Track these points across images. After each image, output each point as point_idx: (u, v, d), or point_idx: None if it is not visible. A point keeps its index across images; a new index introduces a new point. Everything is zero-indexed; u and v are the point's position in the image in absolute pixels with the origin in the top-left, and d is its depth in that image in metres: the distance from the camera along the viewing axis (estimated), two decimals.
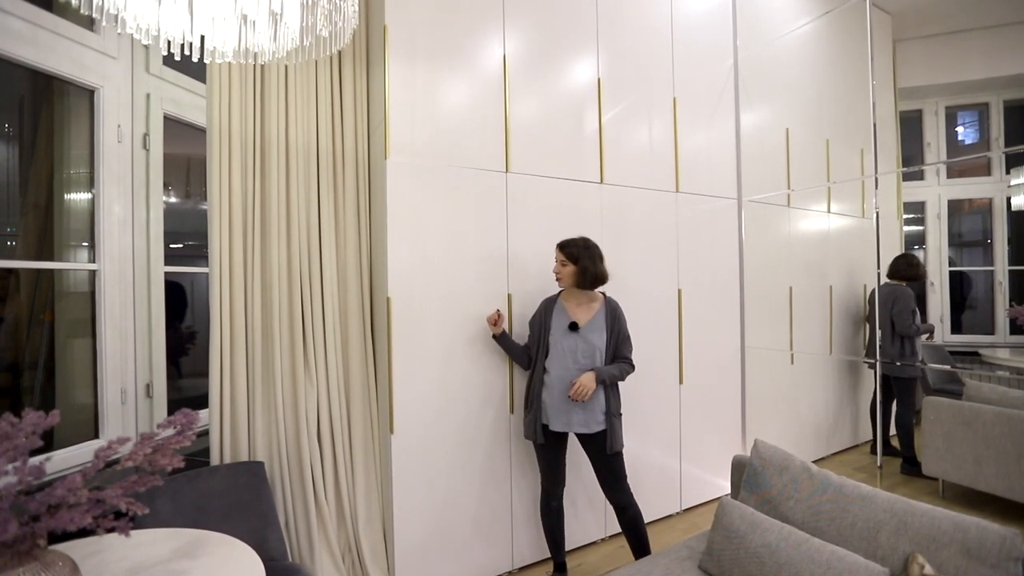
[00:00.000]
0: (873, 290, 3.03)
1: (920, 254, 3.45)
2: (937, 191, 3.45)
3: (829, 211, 3.70)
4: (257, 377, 2.14)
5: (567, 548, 2.50)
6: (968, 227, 3.45)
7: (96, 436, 2.07)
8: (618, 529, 2.53)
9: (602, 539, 2.78)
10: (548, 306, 2.30)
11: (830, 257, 3.69)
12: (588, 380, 2.12)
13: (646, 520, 2.32)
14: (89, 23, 2.04)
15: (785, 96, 3.65)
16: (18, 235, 2.01)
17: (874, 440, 3.14)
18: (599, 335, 2.22)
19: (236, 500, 1.91)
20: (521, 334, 2.48)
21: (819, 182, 3.66)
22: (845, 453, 3.71)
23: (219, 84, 2.05)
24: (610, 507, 2.30)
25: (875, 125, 2.90)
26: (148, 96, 2.25)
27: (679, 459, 3.09)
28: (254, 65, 2.14)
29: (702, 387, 3.20)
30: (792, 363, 3.57)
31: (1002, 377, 2.97)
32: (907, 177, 3.53)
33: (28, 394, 1.99)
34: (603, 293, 2.32)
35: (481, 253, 2.43)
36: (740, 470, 1.98)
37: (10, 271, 1.92)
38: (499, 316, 2.32)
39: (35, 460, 1.06)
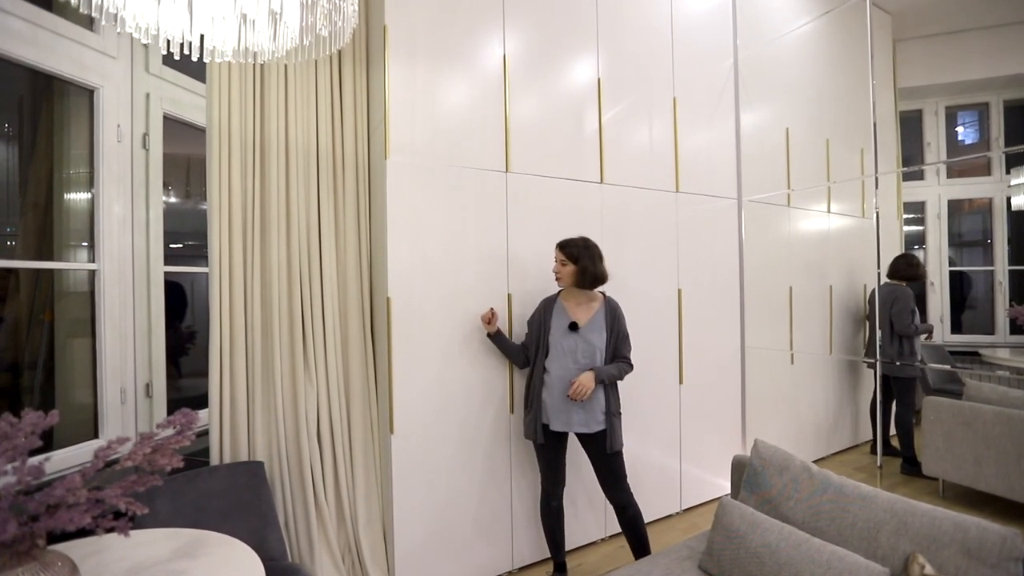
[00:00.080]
0: (873, 290, 3.03)
1: (920, 254, 3.45)
2: (937, 191, 3.45)
3: (829, 211, 3.70)
4: (257, 377, 2.14)
5: (567, 548, 2.49)
6: (968, 227, 3.45)
7: (96, 436, 2.07)
8: (618, 529, 2.53)
9: (602, 539, 2.78)
10: (548, 306, 2.30)
11: (830, 257, 3.69)
12: (587, 380, 2.12)
13: (646, 520, 2.32)
14: (89, 23, 2.04)
15: (785, 96, 3.65)
16: (18, 235, 2.01)
17: (874, 440, 3.14)
18: (599, 335, 2.22)
19: (236, 500, 1.91)
20: (521, 334, 2.47)
21: (819, 182, 3.66)
22: (845, 453, 3.71)
23: (219, 84, 2.05)
24: (610, 507, 2.29)
25: (875, 125, 2.89)
26: (148, 96, 2.25)
27: (679, 459, 3.09)
28: (254, 65, 2.14)
29: (702, 387, 3.20)
30: (792, 363, 3.57)
31: (1002, 377, 2.97)
32: (907, 177, 3.54)
33: (28, 394, 1.99)
34: (602, 293, 2.32)
35: (481, 253, 2.43)
36: (740, 470, 1.98)
37: (10, 271, 1.92)
38: (492, 314, 2.32)
39: (34, 460, 1.06)
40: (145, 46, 2.18)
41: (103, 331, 2.06)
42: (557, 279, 2.26)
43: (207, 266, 2.07)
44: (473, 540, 2.40)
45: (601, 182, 2.79)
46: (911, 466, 3.12)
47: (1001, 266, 3.22)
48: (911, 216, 3.49)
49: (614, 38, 2.87)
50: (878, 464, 2.93)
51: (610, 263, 2.31)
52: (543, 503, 2.33)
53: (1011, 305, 3.15)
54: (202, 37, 1.28)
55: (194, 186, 2.74)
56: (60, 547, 1.26)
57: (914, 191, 3.50)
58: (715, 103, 3.34)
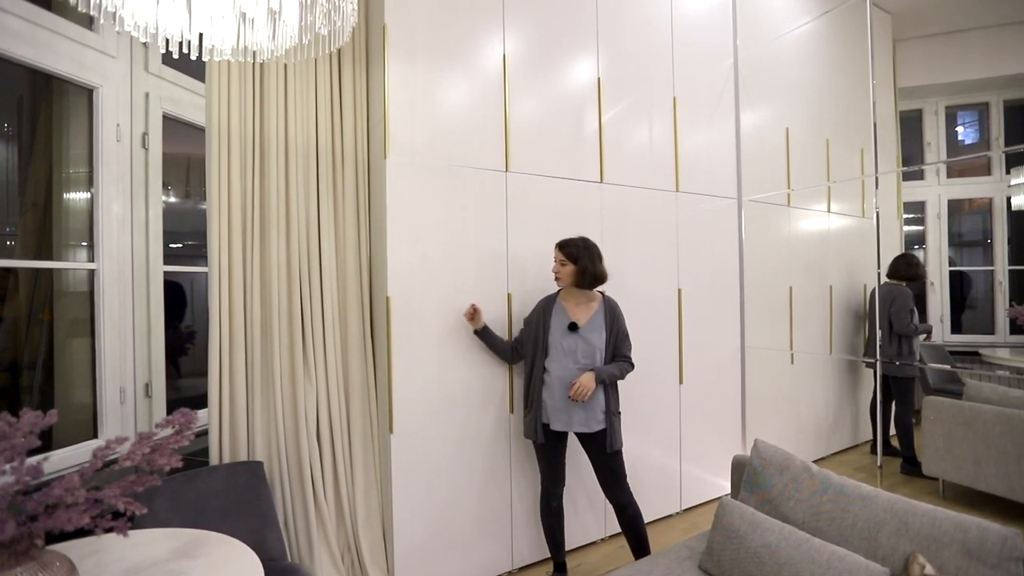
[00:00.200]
0: (873, 290, 3.03)
1: (920, 254, 3.45)
2: (937, 191, 3.45)
3: (829, 211, 3.70)
4: (256, 377, 2.14)
5: (567, 548, 2.49)
6: (968, 227, 3.45)
7: (95, 436, 2.06)
8: (618, 529, 2.53)
9: (602, 539, 2.78)
10: (547, 305, 2.30)
11: (830, 257, 3.69)
12: (588, 380, 2.11)
13: (646, 520, 2.32)
14: (88, 22, 2.04)
15: (785, 96, 3.64)
16: (17, 234, 2.01)
17: (874, 440, 3.14)
18: (598, 335, 2.22)
19: (235, 500, 1.90)
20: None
21: (819, 182, 3.66)
22: (845, 453, 3.71)
23: (218, 83, 2.05)
24: (610, 507, 2.29)
25: (875, 125, 2.89)
26: (147, 95, 2.25)
27: (679, 459, 3.08)
28: (253, 64, 2.13)
29: (702, 387, 3.20)
30: (792, 363, 3.57)
31: (1002, 377, 2.97)
32: (907, 177, 3.54)
33: (27, 394, 1.98)
34: (602, 292, 2.32)
35: (481, 252, 2.43)
36: (740, 470, 1.98)
37: (9, 270, 1.92)
38: (474, 310, 2.30)
39: (33, 460, 1.05)
40: (144, 45, 2.18)
41: (102, 331, 2.06)
42: (556, 279, 2.26)
43: (206, 266, 2.07)
44: (473, 540, 2.40)
45: (601, 182, 2.79)
46: (911, 466, 3.12)
47: (1001, 266, 3.22)
48: (911, 216, 3.49)
49: (614, 38, 2.86)
50: (878, 464, 2.93)
51: (610, 263, 2.31)
52: (543, 503, 2.33)
53: (1011, 305, 3.15)
54: (201, 36, 1.28)
55: (194, 186, 2.74)
56: (59, 547, 1.25)
57: (914, 191, 3.50)
58: (715, 103, 3.34)
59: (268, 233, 2.17)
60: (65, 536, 1.20)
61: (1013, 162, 3.17)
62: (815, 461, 2.85)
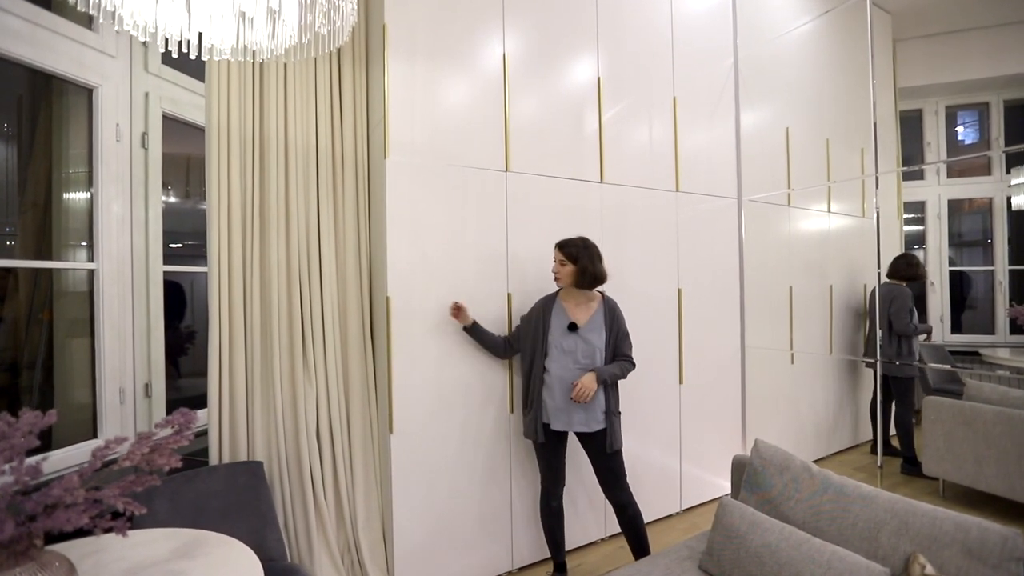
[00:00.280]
0: (873, 289, 3.03)
1: (920, 254, 3.44)
2: (937, 191, 3.44)
3: (829, 211, 3.70)
4: (256, 377, 2.14)
5: (567, 548, 2.49)
6: (968, 227, 3.45)
7: (95, 436, 2.06)
8: (618, 529, 2.53)
9: (602, 539, 2.78)
10: (547, 305, 2.29)
11: (830, 257, 3.68)
12: (589, 381, 2.11)
13: (646, 520, 2.32)
14: (88, 21, 2.04)
15: (785, 95, 3.64)
16: (16, 234, 2.01)
17: (874, 440, 3.14)
18: (598, 335, 2.21)
19: (235, 500, 1.90)
20: None
21: (819, 182, 3.66)
22: (845, 453, 3.70)
23: (218, 83, 2.05)
24: (610, 507, 2.29)
25: (875, 124, 2.89)
26: (147, 95, 2.25)
27: (679, 459, 3.08)
28: (253, 63, 2.13)
29: (702, 387, 3.19)
30: (792, 363, 3.57)
31: (1002, 377, 2.97)
32: (907, 177, 3.53)
33: (27, 393, 1.98)
34: (601, 292, 2.32)
35: (481, 252, 2.43)
36: (740, 470, 1.97)
37: (8, 270, 1.91)
38: (457, 308, 2.27)
39: (32, 460, 1.05)
40: (144, 44, 2.18)
41: (102, 331, 2.06)
42: (556, 279, 2.25)
43: (206, 266, 2.07)
44: (473, 540, 2.40)
45: (601, 182, 2.79)
46: (911, 466, 3.12)
47: (1001, 266, 3.22)
48: (911, 216, 3.49)
49: (614, 38, 2.86)
50: (878, 464, 2.93)
51: (610, 263, 2.30)
52: (543, 503, 2.33)
53: (1011, 305, 3.15)
54: (200, 35, 1.28)
55: (193, 186, 2.73)
56: (58, 547, 1.25)
57: (914, 191, 3.50)
58: (715, 103, 3.34)
59: (268, 233, 2.17)
60: (64, 536, 1.20)
61: (1013, 162, 3.17)
62: (815, 461, 2.84)
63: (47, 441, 1.91)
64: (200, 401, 2.10)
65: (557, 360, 2.20)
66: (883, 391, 3.11)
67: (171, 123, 2.38)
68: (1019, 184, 3.14)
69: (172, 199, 2.60)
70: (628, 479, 2.24)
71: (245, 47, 1.34)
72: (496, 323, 2.42)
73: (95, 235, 2.06)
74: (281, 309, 2.19)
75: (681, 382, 3.09)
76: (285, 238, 2.21)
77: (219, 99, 2.05)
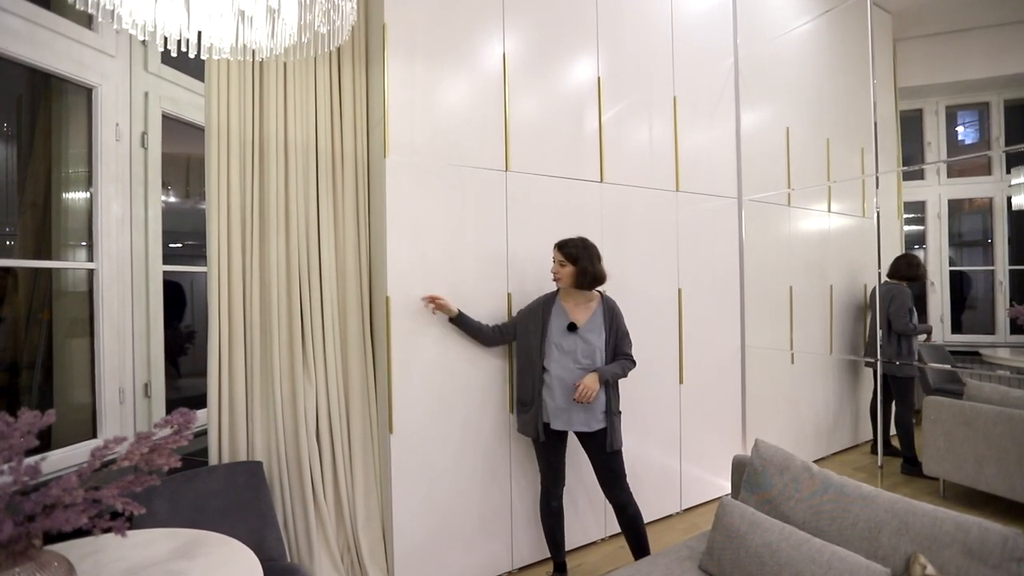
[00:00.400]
0: (873, 289, 3.03)
1: (920, 254, 3.44)
2: (937, 190, 3.44)
3: (829, 210, 3.69)
4: (256, 376, 2.13)
5: (567, 548, 2.49)
6: (968, 227, 3.45)
7: (94, 436, 2.06)
8: (618, 529, 2.53)
9: (602, 539, 2.77)
10: (547, 305, 2.29)
11: (830, 256, 3.68)
12: (592, 382, 2.11)
13: (646, 520, 2.32)
14: (87, 21, 2.03)
15: (785, 95, 3.64)
16: (16, 234, 2.01)
17: (874, 440, 3.14)
18: (598, 335, 2.21)
19: (234, 500, 1.90)
20: None
21: (819, 181, 3.65)
22: (845, 453, 3.70)
23: (217, 82, 2.05)
24: (610, 507, 2.29)
25: (875, 124, 2.89)
26: (146, 95, 2.25)
27: (679, 459, 3.08)
28: (252, 63, 2.13)
29: (702, 387, 3.19)
30: (792, 363, 3.56)
31: (1003, 377, 2.97)
32: (907, 176, 3.53)
33: (26, 393, 1.98)
34: (600, 292, 2.32)
35: (481, 252, 2.42)
36: (741, 470, 1.97)
37: (8, 270, 1.91)
38: (433, 300, 2.23)
39: (31, 460, 1.05)
40: (143, 43, 2.18)
41: (102, 331, 2.05)
42: (555, 279, 2.25)
43: (206, 265, 2.06)
44: (473, 540, 2.39)
45: (601, 181, 2.78)
46: (911, 466, 3.12)
47: (1001, 266, 3.21)
48: (911, 216, 3.49)
49: (614, 37, 2.86)
50: (879, 464, 2.92)
51: (610, 263, 2.30)
52: (543, 503, 2.33)
53: (1011, 305, 3.15)
54: (200, 34, 1.28)
55: (193, 185, 2.73)
56: (57, 547, 1.25)
57: (914, 191, 3.50)
58: (715, 102, 3.33)
59: (267, 232, 2.17)
60: (63, 536, 1.19)
61: (1013, 162, 3.16)
62: (815, 461, 2.84)
63: (46, 441, 1.91)
64: (200, 401, 2.10)
65: (557, 360, 2.20)
66: (883, 391, 3.10)
67: (171, 123, 2.38)
68: (1019, 184, 3.13)
69: (172, 199, 2.60)
70: (628, 479, 2.24)
71: (244, 46, 1.34)
72: (495, 323, 2.42)
73: (95, 235, 2.06)
74: (281, 309, 2.19)
75: (681, 382, 3.08)
76: (285, 238, 2.21)
77: (219, 99, 2.05)
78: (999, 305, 3.20)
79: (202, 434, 2.05)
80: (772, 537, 1.54)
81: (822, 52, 3.76)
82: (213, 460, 2.04)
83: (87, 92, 2.06)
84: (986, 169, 3.32)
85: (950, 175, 3.45)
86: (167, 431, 1.20)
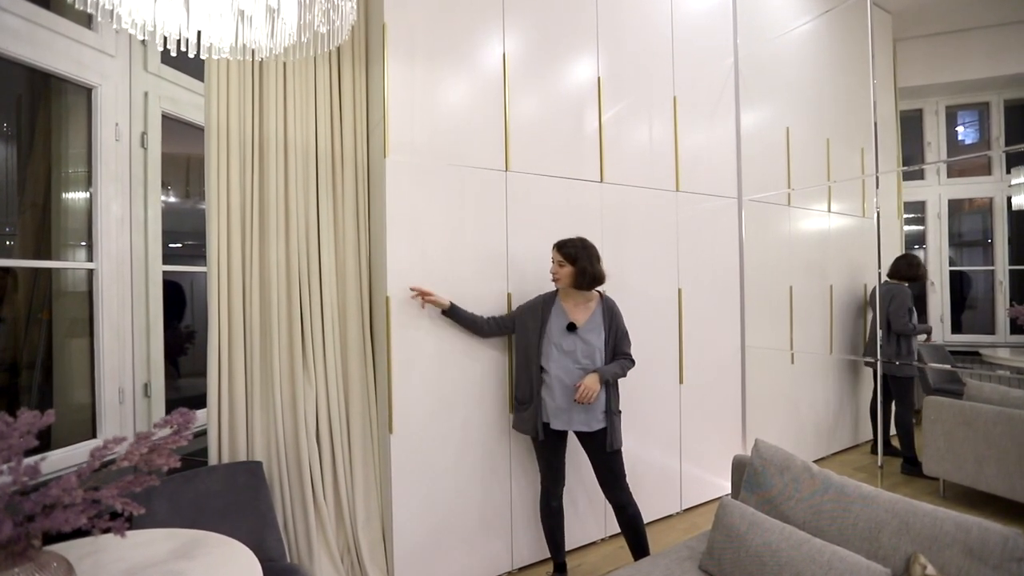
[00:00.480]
0: (873, 289, 3.03)
1: (920, 254, 3.44)
2: (937, 190, 3.44)
3: (829, 210, 3.69)
4: (255, 376, 2.13)
5: (567, 548, 2.49)
6: (968, 227, 3.44)
7: (94, 436, 2.06)
8: (618, 529, 2.52)
9: (602, 539, 2.77)
10: (547, 305, 2.28)
11: (830, 256, 3.68)
12: (592, 382, 2.11)
13: (646, 520, 2.32)
14: (87, 21, 2.03)
15: (785, 95, 3.64)
16: (16, 234, 2.00)
17: (874, 440, 3.14)
18: (597, 335, 2.21)
19: (234, 500, 1.90)
20: None
21: (819, 181, 3.65)
22: (845, 453, 3.70)
23: (217, 82, 2.05)
24: (610, 507, 2.29)
25: (875, 124, 2.89)
26: (146, 94, 2.25)
27: (679, 459, 3.08)
28: (252, 63, 2.13)
29: (702, 387, 3.19)
30: (792, 363, 3.56)
31: (1003, 377, 2.97)
32: (907, 176, 3.53)
33: (26, 393, 1.98)
34: (599, 292, 2.31)
35: (480, 252, 2.42)
36: (741, 470, 1.97)
37: (8, 270, 1.91)
38: (421, 293, 2.21)
39: (31, 460, 1.05)
40: (143, 43, 2.18)
41: (101, 331, 2.05)
42: (555, 280, 2.25)
43: (206, 265, 2.06)
44: (473, 540, 2.39)
45: (601, 181, 2.78)
46: (912, 466, 3.11)
47: (1001, 266, 3.21)
48: (911, 216, 3.49)
49: (614, 37, 2.86)
50: (879, 464, 2.92)
51: (610, 263, 2.31)
52: (543, 503, 2.33)
53: (1011, 305, 3.15)
54: (199, 34, 1.28)
55: (193, 185, 2.73)
56: (56, 547, 1.25)
57: (914, 191, 3.50)
58: (715, 102, 3.33)
59: (267, 232, 2.17)
60: (63, 536, 1.19)
61: (1013, 162, 3.16)
62: (815, 461, 2.84)
63: (46, 441, 1.91)
64: (199, 401, 2.09)
65: (556, 360, 2.19)
66: (883, 391, 3.10)
67: (171, 123, 2.38)
68: (1019, 184, 3.13)
69: (172, 199, 2.60)
70: (628, 479, 2.24)
71: (244, 46, 1.34)
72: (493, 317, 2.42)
73: (94, 235, 2.06)
74: (281, 309, 2.19)
75: (681, 382, 3.08)
76: (285, 238, 2.21)
77: (218, 99, 2.05)
78: (999, 305, 3.20)
79: (202, 434, 2.05)
80: (772, 537, 1.54)
81: (822, 52, 3.75)
82: (213, 460, 2.04)
83: (87, 92, 2.06)
84: (986, 169, 3.31)
85: (950, 175, 3.45)
86: (167, 431, 1.20)
